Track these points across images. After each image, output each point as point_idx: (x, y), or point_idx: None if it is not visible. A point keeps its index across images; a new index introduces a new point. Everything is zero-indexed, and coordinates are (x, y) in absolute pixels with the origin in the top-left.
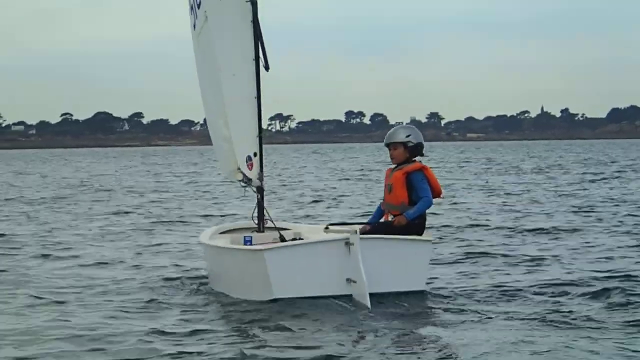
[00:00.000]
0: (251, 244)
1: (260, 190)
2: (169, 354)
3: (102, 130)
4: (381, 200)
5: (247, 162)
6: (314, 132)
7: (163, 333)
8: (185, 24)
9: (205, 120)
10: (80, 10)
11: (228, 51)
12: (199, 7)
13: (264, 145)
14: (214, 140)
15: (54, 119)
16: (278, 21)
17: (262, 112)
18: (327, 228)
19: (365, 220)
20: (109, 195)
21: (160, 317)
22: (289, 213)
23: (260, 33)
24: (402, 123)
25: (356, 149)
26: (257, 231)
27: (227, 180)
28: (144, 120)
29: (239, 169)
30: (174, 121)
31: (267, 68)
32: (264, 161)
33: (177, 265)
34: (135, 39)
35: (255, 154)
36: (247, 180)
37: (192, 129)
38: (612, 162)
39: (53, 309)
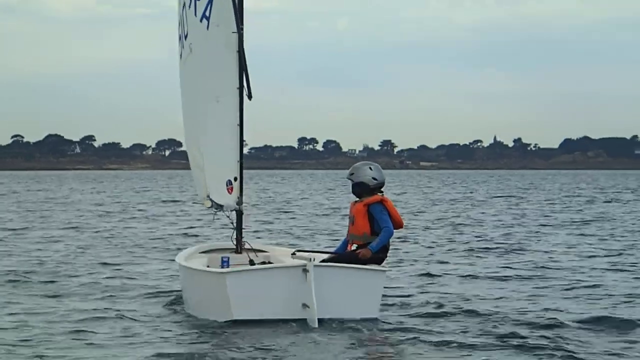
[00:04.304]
0: (228, 265)
1: (238, 214)
2: None
3: (53, 152)
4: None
5: (227, 186)
6: (267, 158)
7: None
8: (140, 48)
9: (157, 144)
10: (32, 32)
11: (212, 79)
12: (186, 39)
13: None
14: (191, 166)
15: (4, 140)
16: None
17: None
18: (294, 254)
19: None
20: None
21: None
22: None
23: (245, 63)
24: (355, 151)
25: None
26: (235, 252)
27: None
28: (96, 144)
29: (208, 196)
30: (125, 145)
31: (249, 97)
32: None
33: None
34: (88, 61)
35: (235, 179)
36: (218, 207)
37: (144, 152)
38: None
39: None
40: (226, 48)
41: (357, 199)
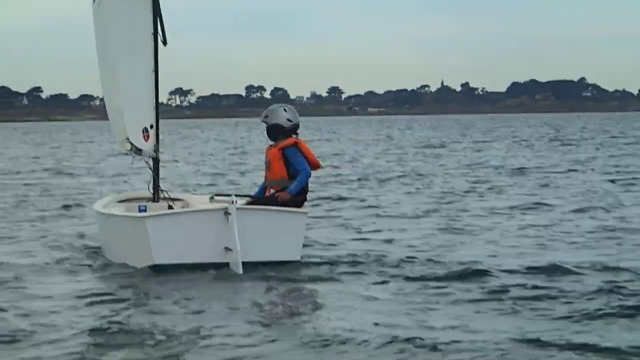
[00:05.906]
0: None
1: (155, 161)
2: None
3: (0, 105)
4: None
5: (143, 133)
6: (214, 106)
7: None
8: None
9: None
10: None
11: (127, 25)
12: None
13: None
14: (108, 111)
15: None
16: None
17: (163, 85)
18: (212, 198)
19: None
20: None
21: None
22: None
23: (160, 9)
24: (302, 98)
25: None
26: (152, 201)
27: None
28: (43, 95)
29: (127, 139)
30: (73, 96)
31: (164, 43)
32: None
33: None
34: (35, 13)
35: (151, 126)
36: (137, 151)
37: (92, 103)
38: None
39: None
40: None
41: (272, 142)
